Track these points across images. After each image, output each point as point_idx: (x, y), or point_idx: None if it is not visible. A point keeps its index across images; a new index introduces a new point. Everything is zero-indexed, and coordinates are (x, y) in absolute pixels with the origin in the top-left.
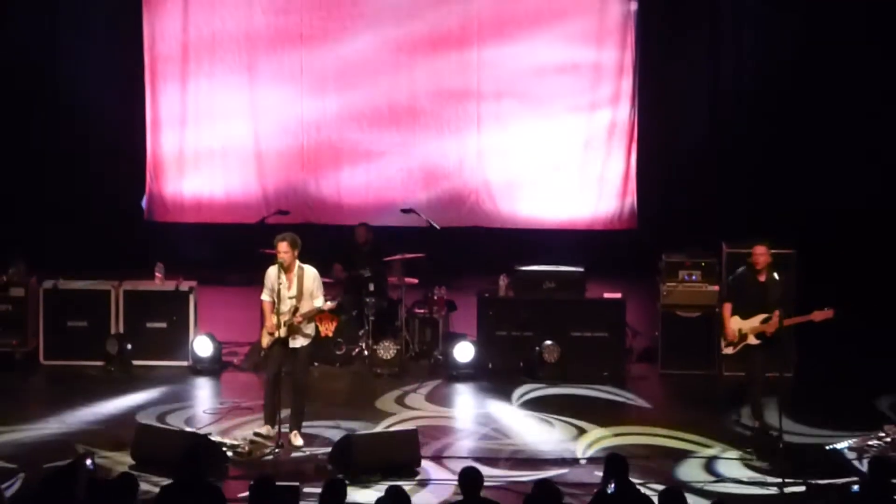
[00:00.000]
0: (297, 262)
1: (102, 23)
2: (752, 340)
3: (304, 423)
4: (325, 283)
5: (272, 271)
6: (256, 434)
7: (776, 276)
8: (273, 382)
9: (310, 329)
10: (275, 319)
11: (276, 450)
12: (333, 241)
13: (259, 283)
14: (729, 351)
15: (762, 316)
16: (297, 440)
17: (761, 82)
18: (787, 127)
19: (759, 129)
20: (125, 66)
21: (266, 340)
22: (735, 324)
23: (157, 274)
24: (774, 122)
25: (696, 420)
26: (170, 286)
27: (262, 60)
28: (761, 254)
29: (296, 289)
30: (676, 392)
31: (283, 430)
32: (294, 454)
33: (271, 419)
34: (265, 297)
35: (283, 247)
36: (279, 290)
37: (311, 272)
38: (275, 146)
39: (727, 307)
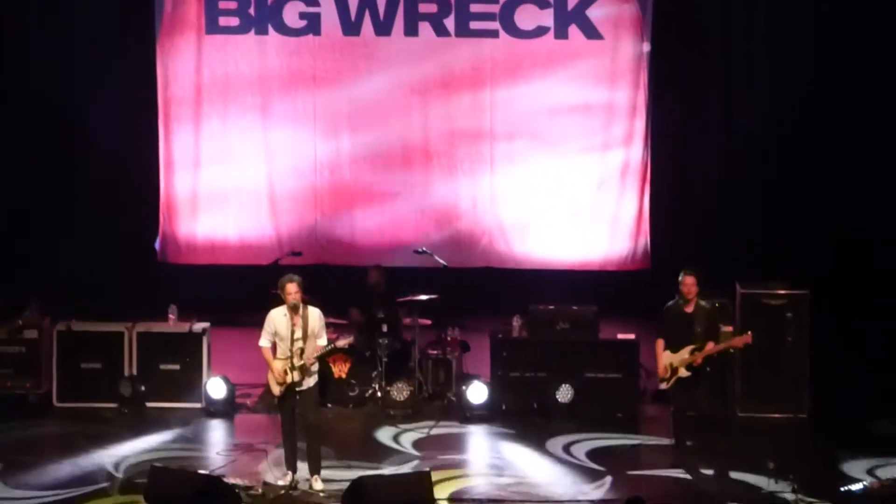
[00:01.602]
0: (302, 303)
1: (116, 64)
2: (683, 373)
3: None
4: (339, 326)
5: (275, 314)
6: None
7: (704, 305)
8: (290, 428)
9: (316, 367)
10: (280, 365)
11: (291, 492)
12: (346, 283)
13: None
14: (663, 386)
15: (690, 347)
16: (318, 484)
17: (773, 122)
18: (799, 167)
19: (771, 169)
20: (139, 108)
21: (276, 389)
22: (666, 358)
23: (170, 315)
24: (787, 162)
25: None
26: (183, 328)
27: (275, 102)
28: (690, 284)
29: (301, 330)
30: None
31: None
32: (308, 496)
33: (291, 465)
34: (264, 342)
35: (291, 288)
36: (291, 331)
37: (315, 312)
38: (288, 187)
39: (660, 343)
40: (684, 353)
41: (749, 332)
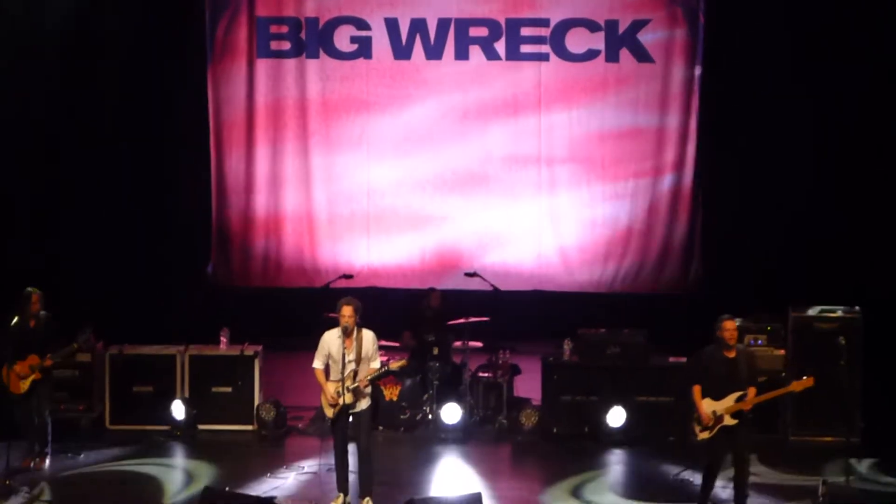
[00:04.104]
0: (356, 326)
1: (169, 90)
2: (729, 421)
3: None
4: (390, 348)
5: (329, 337)
6: None
7: (744, 349)
8: (342, 450)
9: (369, 390)
10: (332, 387)
11: None
12: (396, 306)
13: None
14: (704, 436)
15: (736, 394)
16: None
17: (825, 146)
18: (854, 189)
19: (823, 192)
20: (191, 133)
21: (330, 411)
22: (708, 406)
23: (222, 339)
24: (841, 184)
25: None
26: (235, 351)
27: (326, 126)
28: (732, 329)
29: (355, 352)
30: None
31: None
32: None
33: (343, 486)
34: (318, 364)
35: (347, 311)
36: (344, 354)
37: (369, 335)
38: (339, 211)
39: (697, 389)
40: (729, 401)
41: (811, 377)
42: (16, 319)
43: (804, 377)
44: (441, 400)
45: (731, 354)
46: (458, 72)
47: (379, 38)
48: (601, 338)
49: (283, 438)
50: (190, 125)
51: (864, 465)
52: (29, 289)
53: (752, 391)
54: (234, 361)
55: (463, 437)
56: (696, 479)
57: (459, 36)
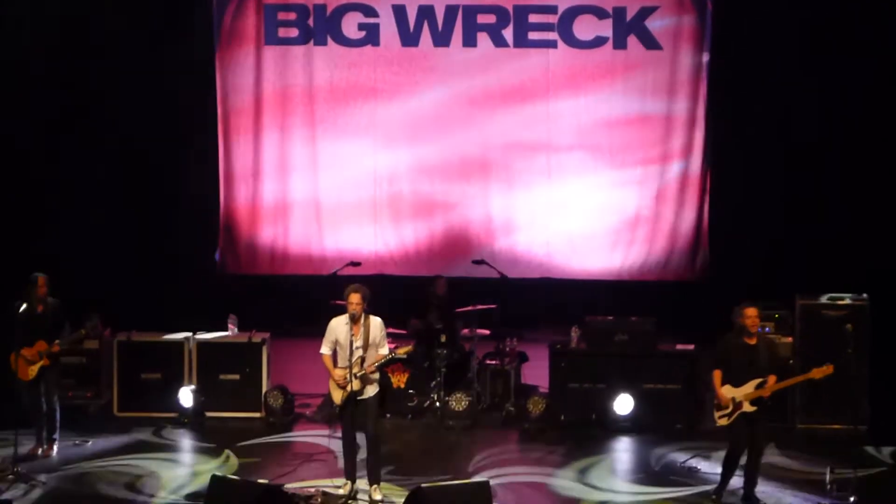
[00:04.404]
0: (364, 313)
1: (176, 77)
2: (748, 408)
3: None
4: (398, 335)
5: (336, 323)
6: (338, 493)
7: (765, 336)
8: (350, 438)
9: (376, 376)
10: (340, 373)
11: (349, 502)
12: (404, 293)
13: None
14: (723, 422)
15: (756, 381)
16: (377, 494)
17: (834, 131)
18: (861, 177)
19: (832, 179)
20: (198, 120)
21: (338, 395)
22: (728, 392)
23: (230, 326)
24: (848, 172)
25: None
26: (242, 338)
27: (334, 113)
28: (754, 316)
29: (362, 339)
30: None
31: (355, 482)
32: None
33: (351, 474)
34: (325, 350)
35: (355, 298)
36: (351, 341)
37: (377, 322)
38: (346, 198)
39: (717, 374)
40: (748, 388)
41: (831, 365)
42: (24, 306)
43: (824, 365)
44: (449, 387)
45: (752, 341)
46: (466, 59)
47: (387, 24)
48: (609, 325)
49: (290, 425)
50: (197, 112)
51: (885, 453)
52: (35, 273)
53: (772, 378)
54: (241, 348)
55: (470, 424)
56: (703, 466)
57: (467, 23)
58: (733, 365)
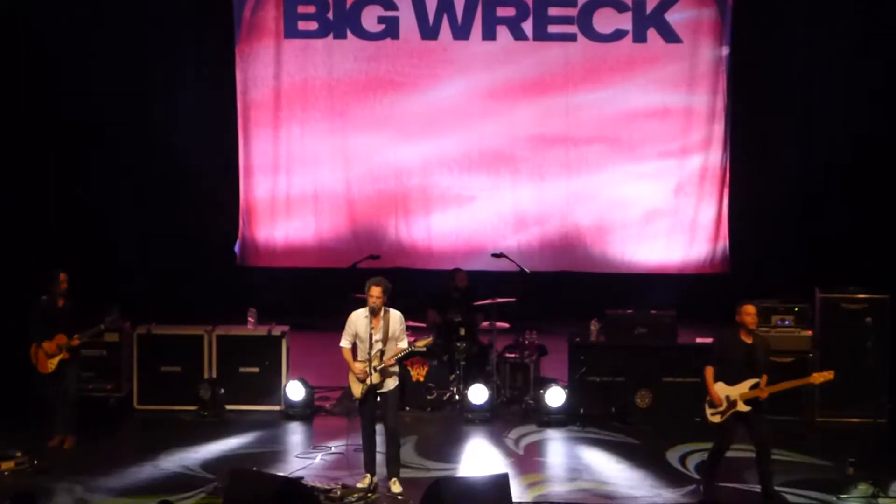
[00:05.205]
0: (384, 306)
1: (196, 70)
2: (742, 407)
3: None
4: (417, 328)
5: (356, 316)
6: (357, 487)
7: (762, 336)
8: (370, 431)
9: (396, 369)
10: (360, 367)
11: (369, 495)
12: (423, 286)
13: None
14: (716, 419)
15: (752, 381)
16: (397, 487)
17: (854, 125)
18: (882, 170)
19: (853, 172)
20: (218, 113)
21: (357, 389)
22: (721, 390)
23: (249, 319)
24: (870, 165)
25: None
26: (262, 331)
27: (353, 106)
28: (753, 314)
29: (382, 332)
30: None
31: (374, 475)
32: (386, 499)
33: (370, 467)
34: (345, 343)
35: (376, 291)
36: (370, 334)
37: (396, 315)
38: (366, 191)
39: (709, 371)
40: (743, 388)
41: (832, 371)
42: (44, 299)
43: (826, 371)
44: (468, 380)
45: (750, 340)
46: (486, 52)
47: (406, 18)
48: (628, 318)
49: (310, 418)
50: (217, 106)
51: None
52: (57, 270)
53: (765, 379)
54: (261, 341)
55: (490, 417)
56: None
57: (487, 16)
58: (730, 363)
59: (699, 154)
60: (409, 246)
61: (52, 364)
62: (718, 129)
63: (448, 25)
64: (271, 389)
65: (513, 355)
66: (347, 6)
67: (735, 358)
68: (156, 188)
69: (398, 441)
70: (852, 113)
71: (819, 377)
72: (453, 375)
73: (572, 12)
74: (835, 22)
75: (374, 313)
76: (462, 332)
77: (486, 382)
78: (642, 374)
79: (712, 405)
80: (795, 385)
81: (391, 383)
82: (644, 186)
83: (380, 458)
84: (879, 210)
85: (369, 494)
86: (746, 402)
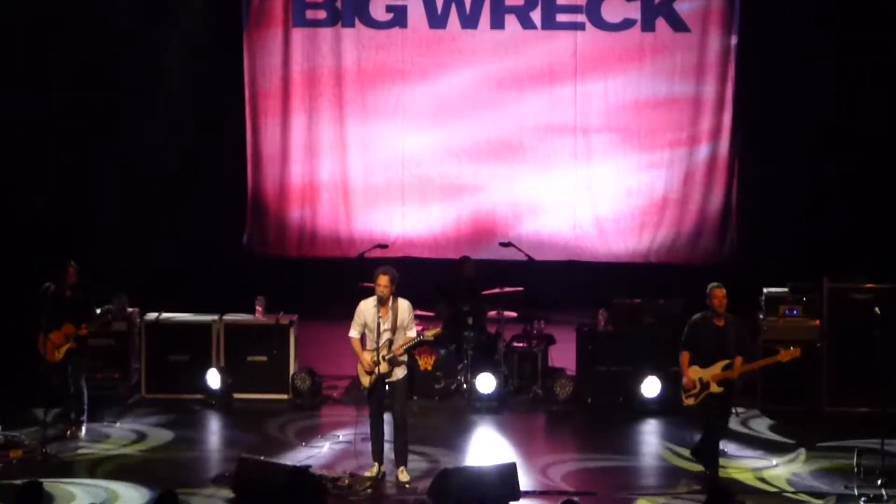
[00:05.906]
0: (392, 296)
1: (204, 59)
2: (715, 389)
3: None
4: (426, 317)
5: (365, 306)
6: (365, 475)
7: (732, 318)
8: (378, 420)
9: (405, 358)
10: (368, 356)
11: (377, 483)
12: (431, 275)
13: None
14: (690, 402)
15: (723, 362)
16: (405, 476)
17: (863, 113)
18: (889, 159)
19: (862, 163)
20: (226, 102)
21: (366, 378)
22: (694, 373)
23: (257, 308)
24: (878, 154)
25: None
26: (270, 320)
27: (361, 95)
28: (721, 297)
29: (390, 322)
30: (779, 428)
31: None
32: (394, 488)
33: (378, 456)
34: (354, 333)
35: (384, 280)
36: (379, 323)
37: (405, 304)
38: (374, 180)
39: (685, 355)
40: (716, 369)
41: (798, 348)
42: (49, 286)
43: (791, 348)
44: (476, 369)
45: (720, 322)
46: (494, 41)
47: (414, 6)
48: (636, 307)
49: (318, 407)
50: (225, 94)
51: None
52: (67, 260)
53: (738, 360)
54: (269, 330)
55: (497, 406)
56: (730, 448)
57: (495, 5)
58: (701, 346)
59: (708, 143)
60: (417, 235)
61: (60, 353)
62: (727, 118)
63: (456, 14)
64: (279, 378)
65: (521, 345)
66: None
67: (707, 341)
68: (164, 178)
69: (407, 430)
70: (861, 101)
71: (786, 355)
72: (461, 365)
73: (581, 1)
74: (844, 11)
75: (382, 302)
76: (470, 321)
77: (494, 372)
78: (650, 363)
79: (685, 389)
80: (765, 364)
81: (399, 372)
82: (652, 176)
83: (387, 447)
84: (888, 200)
85: (377, 483)
86: (719, 384)
